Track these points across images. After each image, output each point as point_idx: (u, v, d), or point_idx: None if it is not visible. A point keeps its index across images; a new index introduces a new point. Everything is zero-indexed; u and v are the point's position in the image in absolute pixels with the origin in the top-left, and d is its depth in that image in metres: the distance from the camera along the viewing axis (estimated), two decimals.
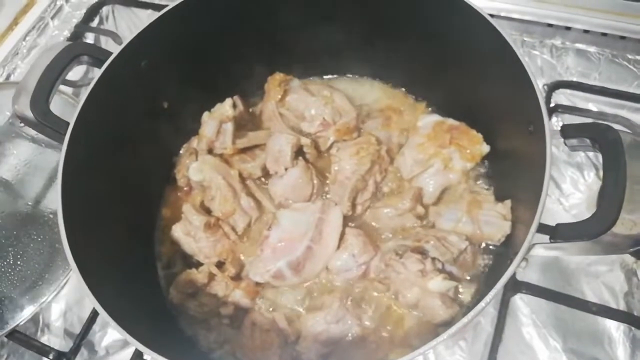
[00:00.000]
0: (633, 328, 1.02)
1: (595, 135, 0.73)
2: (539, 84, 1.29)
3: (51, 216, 1.24)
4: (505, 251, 0.97)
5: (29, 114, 0.90)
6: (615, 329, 1.03)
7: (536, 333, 1.04)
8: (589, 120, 1.23)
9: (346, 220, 1.05)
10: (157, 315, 1.02)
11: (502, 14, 1.40)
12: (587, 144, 0.75)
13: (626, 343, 1.02)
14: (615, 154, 0.69)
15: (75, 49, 0.95)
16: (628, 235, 0.66)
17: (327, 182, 1.12)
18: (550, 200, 1.18)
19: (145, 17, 1.60)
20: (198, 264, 1.06)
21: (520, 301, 1.07)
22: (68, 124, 0.90)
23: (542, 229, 0.75)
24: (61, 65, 0.91)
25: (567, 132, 0.77)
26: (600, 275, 1.08)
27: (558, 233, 0.71)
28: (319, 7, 1.09)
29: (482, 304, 0.66)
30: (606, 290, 1.07)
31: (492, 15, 1.36)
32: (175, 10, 1.01)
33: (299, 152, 1.12)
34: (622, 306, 1.05)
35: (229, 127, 1.12)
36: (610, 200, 0.67)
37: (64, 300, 1.18)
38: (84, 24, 1.59)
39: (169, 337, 0.99)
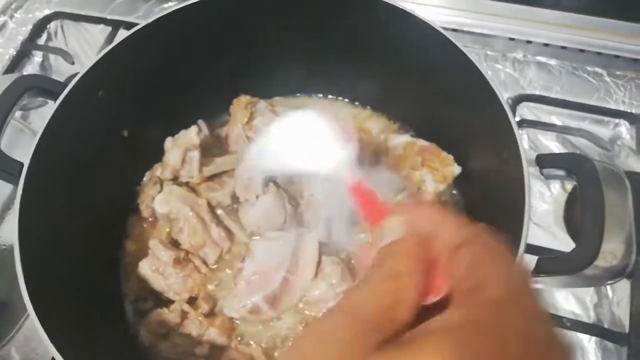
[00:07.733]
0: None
1: (572, 166, 0.73)
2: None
3: (5, 253, 1.16)
4: None
5: None
6: (587, 340, 1.05)
7: None
8: (554, 133, 1.25)
9: (322, 247, 1.02)
10: (127, 358, 0.97)
11: (465, 29, 1.40)
12: (564, 174, 0.76)
13: (598, 354, 1.04)
14: (593, 186, 0.69)
15: (25, 83, 0.89)
16: (608, 267, 0.67)
17: (300, 207, 1.09)
18: None
19: (97, 33, 1.50)
20: (169, 301, 1.01)
21: None
22: (22, 164, 0.84)
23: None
24: (9, 103, 0.85)
25: (543, 162, 0.77)
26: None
27: (540, 267, 0.71)
28: (278, 28, 1.07)
29: None
30: (576, 302, 1.08)
31: (454, 30, 1.40)
32: (132, 38, 0.96)
33: (269, 178, 1.08)
34: (592, 318, 1.07)
35: (195, 155, 1.07)
36: (590, 235, 0.67)
37: (22, 339, 1.09)
38: (30, 42, 1.48)
39: None
